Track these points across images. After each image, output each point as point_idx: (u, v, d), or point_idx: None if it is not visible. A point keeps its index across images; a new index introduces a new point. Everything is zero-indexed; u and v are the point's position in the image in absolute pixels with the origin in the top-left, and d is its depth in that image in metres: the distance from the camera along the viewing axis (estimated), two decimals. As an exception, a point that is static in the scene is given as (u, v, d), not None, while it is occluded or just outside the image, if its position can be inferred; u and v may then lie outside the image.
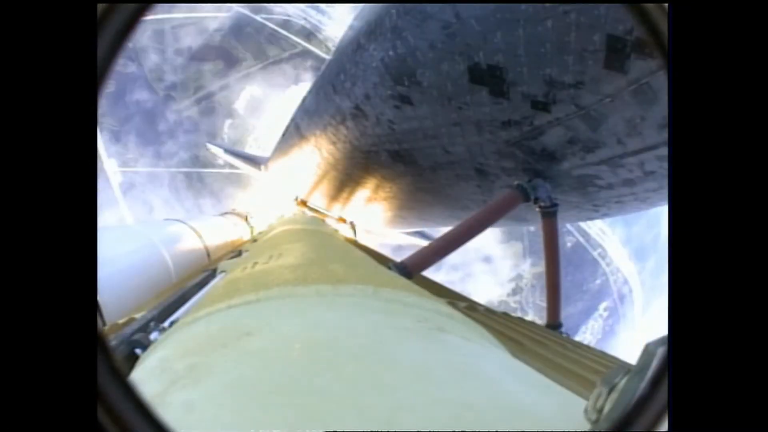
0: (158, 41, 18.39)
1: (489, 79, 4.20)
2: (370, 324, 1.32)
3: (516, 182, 5.00)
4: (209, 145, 16.88)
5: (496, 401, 0.91)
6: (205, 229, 6.43)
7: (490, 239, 19.01)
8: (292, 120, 9.26)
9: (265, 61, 19.35)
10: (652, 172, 4.36)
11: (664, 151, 3.94)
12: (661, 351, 0.65)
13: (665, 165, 4.12)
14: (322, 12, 19.42)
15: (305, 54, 19.38)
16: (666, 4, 0.63)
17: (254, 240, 6.61)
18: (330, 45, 18.25)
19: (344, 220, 10.75)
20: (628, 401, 0.64)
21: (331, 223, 10.34)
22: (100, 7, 0.56)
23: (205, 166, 18.98)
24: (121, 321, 2.40)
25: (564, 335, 4.97)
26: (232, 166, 17.26)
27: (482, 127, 4.74)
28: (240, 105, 19.40)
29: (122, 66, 17.47)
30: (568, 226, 18.16)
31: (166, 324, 1.86)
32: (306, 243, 3.56)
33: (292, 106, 9.59)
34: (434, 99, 4.80)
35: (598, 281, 19.90)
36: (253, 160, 14.84)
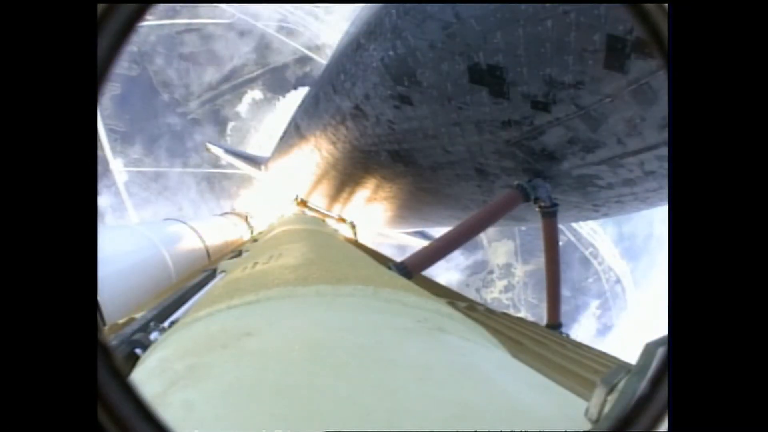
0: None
1: (489, 79, 4.19)
2: (370, 324, 1.32)
3: (516, 182, 5.00)
4: (209, 145, 16.90)
5: (495, 401, 0.91)
6: (205, 229, 6.44)
7: (482, 237, 19.29)
8: (292, 120, 9.26)
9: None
10: (652, 172, 4.36)
11: (664, 151, 3.94)
12: (660, 351, 0.65)
13: (665, 165, 4.12)
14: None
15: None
16: (666, 4, 0.63)
17: (254, 240, 6.61)
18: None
19: (344, 220, 10.76)
20: (628, 401, 0.64)
21: (331, 223, 10.34)
22: (100, 7, 0.56)
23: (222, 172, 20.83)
24: (121, 321, 2.40)
25: (564, 335, 4.98)
26: (233, 167, 17.40)
27: (482, 127, 4.74)
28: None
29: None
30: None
31: (166, 324, 1.86)
32: (306, 243, 3.55)
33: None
34: (434, 99, 4.79)
35: (590, 279, 20.07)
36: (253, 160, 14.86)
